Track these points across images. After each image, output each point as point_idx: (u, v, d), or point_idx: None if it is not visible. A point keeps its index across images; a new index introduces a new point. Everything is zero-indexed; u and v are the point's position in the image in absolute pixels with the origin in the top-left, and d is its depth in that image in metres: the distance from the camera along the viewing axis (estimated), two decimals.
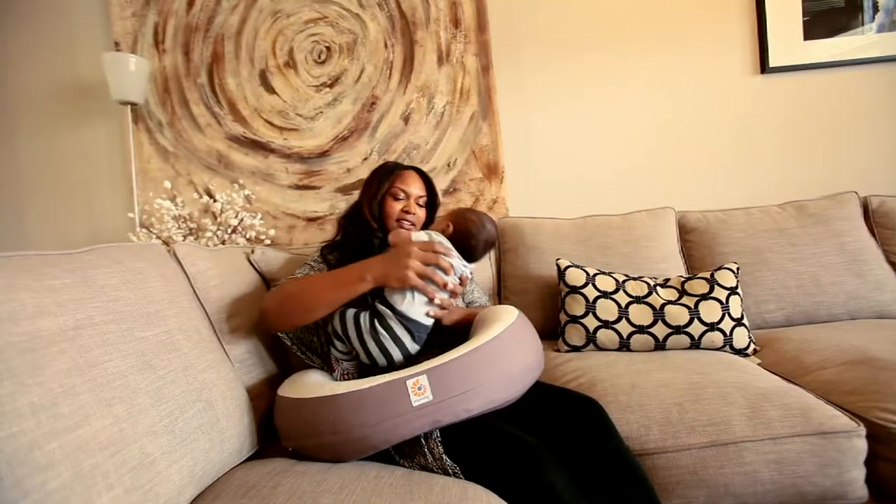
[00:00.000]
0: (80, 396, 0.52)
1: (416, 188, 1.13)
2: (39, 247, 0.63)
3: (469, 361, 0.78)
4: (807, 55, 1.78)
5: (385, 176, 1.13)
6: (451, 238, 0.99)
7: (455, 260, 0.92)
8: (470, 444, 0.76)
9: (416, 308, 0.88)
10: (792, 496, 0.84)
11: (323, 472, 0.68)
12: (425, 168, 1.75)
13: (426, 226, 1.19)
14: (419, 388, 0.74)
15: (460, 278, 0.95)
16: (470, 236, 0.98)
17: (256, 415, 0.89)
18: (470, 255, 0.98)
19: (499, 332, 0.83)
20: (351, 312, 0.91)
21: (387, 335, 0.87)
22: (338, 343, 0.94)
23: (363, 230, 1.08)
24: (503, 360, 0.81)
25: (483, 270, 1.52)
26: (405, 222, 1.11)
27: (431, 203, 1.19)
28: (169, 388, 0.65)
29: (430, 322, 0.91)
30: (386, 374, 0.78)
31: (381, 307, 0.89)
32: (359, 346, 0.89)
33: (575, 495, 0.69)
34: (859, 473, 0.85)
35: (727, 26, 1.80)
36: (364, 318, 0.89)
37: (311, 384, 0.83)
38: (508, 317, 0.89)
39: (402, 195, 1.12)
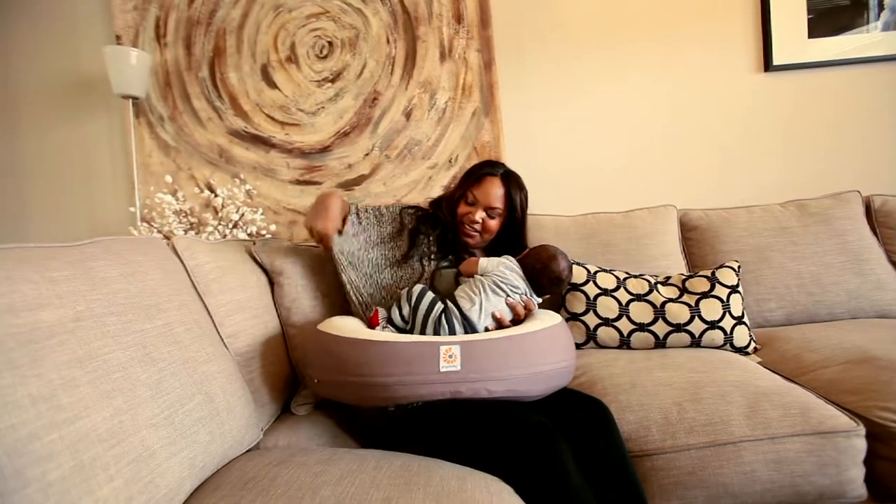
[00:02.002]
0: (80, 388, 0.52)
1: (490, 197, 1.13)
2: (40, 240, 0.64)
3: (502, 346, 0.82)
4: (811, 53, 1.76)
5: (470, 177, 1.17)
6: (523, 261, 1.02)
7: (516, 283, 0.98)
8: (488, 420, 0.77)
9: (478, 315, 0.93)
10: (790, 495, 0.84)
11: (322, 464, 0.68)
12: (425, 164, 1.75)
13: (510, 238, 1.20)
14: (450, 356, 0.77)
15: (525, 305, 0.98)
16: (534, 268, 1.00)
17: (256, 407, 0.89)
18: (536, 286, 1.01)
19: (537, 329, 0.87)
20: (430, 295, 0.95)
21: (447, 327, 0.91)
22: (404, 308, 0.95)
23: (448, 220, 1.15)
24: (536, 355, 0.84)
25: None
26: (468, 228, 1.14)
27: (512, 216, 1.18)
28: (169, 380, 0.65)
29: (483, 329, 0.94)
30: (423, 336, 0.83)
31: (451, 304, 0.94)
32: (420, 323, 0.92)
33: (582, 482, 0.70)
34: (858, 472, 0.85)
35: (731, 24, 1.79)
36: (438, 306, 0.93)
37: (351, 327, 0.88)
38: (551, 320, 0.93)
39: (471, 200, 1.14)
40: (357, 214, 1.11)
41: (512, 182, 1.17)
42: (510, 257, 1.03)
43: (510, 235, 1.20)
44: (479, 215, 1.13)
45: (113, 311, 0.63)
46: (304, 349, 0.93)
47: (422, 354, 0.78)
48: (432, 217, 1.17)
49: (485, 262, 1.00)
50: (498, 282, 0.96)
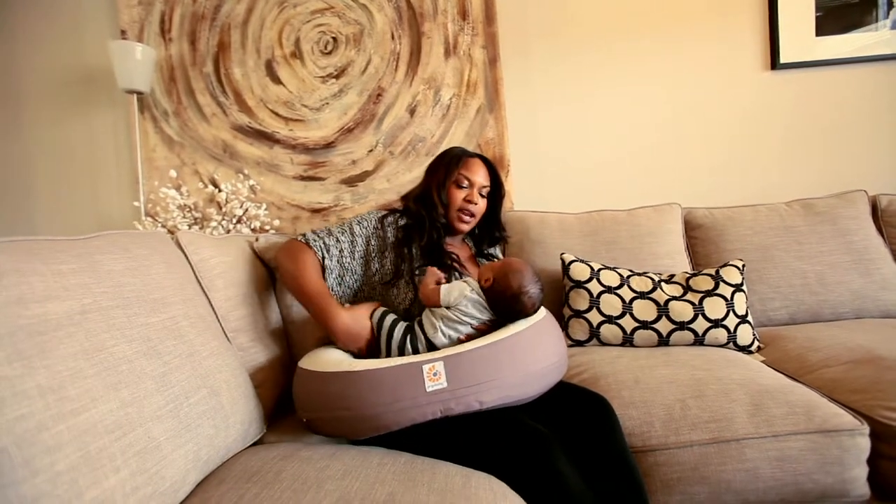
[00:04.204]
0: (87, 380, 0.53)
1: (480, 177, 1.12)
2: (46, 233, 0.64)
3: (487, 354, 0.78)
4: (818, 51, 1.75)
5: (452, 162, 1.12)
6: (487, 291, 0.92)
7: (479, 314, 0.91)
8: (479, 429, 0.76)
9: (442, 340, 0.89)
10: (793, 493, 0.84)
11: (327, 459, 0.69)
12: (427, 160, 1.75)
13: (491, 217, 1.19)
14: (434, 374, 0.75)
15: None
16: (502, 301, 0.90)
17: (260, 402, 0.90)
18: (500, 314, 0.92)
19: (520, 328, 0.84)
20: (390, 319, 0.93)
21: (411, 350, 0.89)
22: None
23: (432, 214, 1.09)
24: (523, 357, 0.81)
25: None
26: (465, 214, 1.11)
27: (495, 193, 1.18)
28: (174, 373, 0.66)
29: None
30: (404, 357, 0.79)
31: (416, 328, 0.92)
32: (384, 346, 0.92)
33: (581, 487, 0.69)
34: (862, 471, 0.85)
35: (738, 21, 1.78)
36: (399, 328, 0.92)
37: (331, 359, 0.85)
38: (534, 315, 0.89)
39: (465, 183, 1.10)
40: (327, 251, 1.02)
41: (489, 160, 1.17)
42: (474, 285, 0.93)
43: (491, 215, 1.20)
44: (476, 196, 1.11)
45: (119, 304, 0.63)
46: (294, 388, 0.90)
47: (406, 377, 0.75)
48: (415, 217, 1.09)
49: (446, 294, 0.91)
50: (461, 317, 0.90)
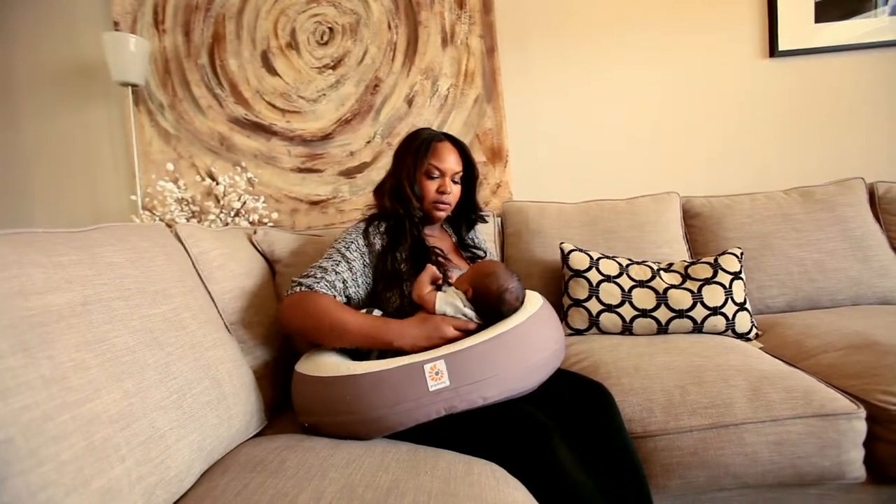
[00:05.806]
0: (91, 370, 0.53)
1: (451, 163, 1.07)
2: (44, 228, 0.63)
3: (488, 349, 0.78)
4: (817, 38, 1.74)
5: (420, 150, 1.05)
6: (471, 301, 0.90)
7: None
8: (481, 421, 0.76)
9: None
10: (791, 476, 0.86)
11: (330, 448, 0.69)
12: None
13: (465, 200, 1.15)
14: (437, 373, 0.74)
15: None
16: (487, 305, 0.88)
17: (261, 393, 0.90)
18: (489, 318, 0.89)
19: (520, 321, 0.83)
20: None
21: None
22: None
23: (408, 208, 1.04)
24: (523, 349, 0.81)
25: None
26: (441, 204, 1.07)
27: (469, 176, 1.13)
28: (177, 364, 0.66)
29: None
30: (404, 357, 0.78)
31: None
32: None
33: (582, 477, 0.70)
34: (858, 454, 0.86)
35: (736, 9, 1.77)
36: None
37: (329, 362, 0.84)
38: (532, 306, 0.89)
39: (436, 173, 1.06)
40: (333, 287, 0.93)
41: (458, 141, 1.12)
42: (462, 298, 0.89)
43: (466, 198, 1.15)
44: (449, 185, 1.07)
45: (120, 295, 0.63)
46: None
47: (407, 378, 0.74)
48: (394, 217, 1.05)
49: (441, 306, 0.87)
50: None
